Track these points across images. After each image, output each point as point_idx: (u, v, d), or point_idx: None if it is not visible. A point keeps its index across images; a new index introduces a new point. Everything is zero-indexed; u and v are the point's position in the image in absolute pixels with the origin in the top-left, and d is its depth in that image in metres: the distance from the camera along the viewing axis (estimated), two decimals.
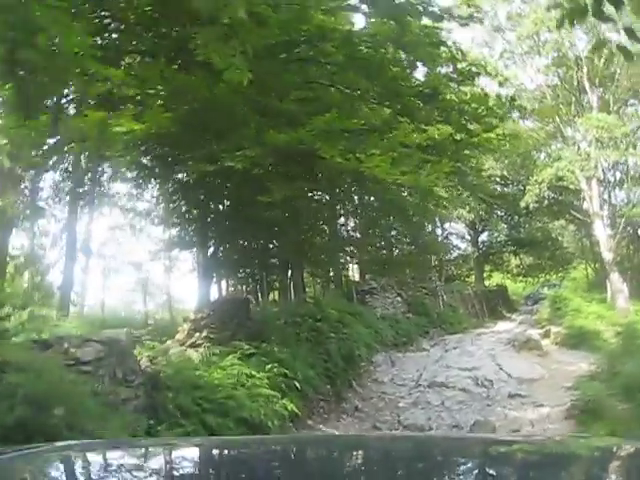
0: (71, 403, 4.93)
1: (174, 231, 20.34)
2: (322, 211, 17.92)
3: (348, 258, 24.12)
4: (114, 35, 9.81)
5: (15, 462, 1.79)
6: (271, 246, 18.81)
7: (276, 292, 22.19)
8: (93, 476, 1.81)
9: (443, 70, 11.86)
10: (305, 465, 1.91)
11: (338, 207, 19.97)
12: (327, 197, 17.18)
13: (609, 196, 31.73)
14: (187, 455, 2.11)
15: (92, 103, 8.80)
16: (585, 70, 28.56)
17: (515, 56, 29.75)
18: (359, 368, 15.34)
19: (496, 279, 41.39)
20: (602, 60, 28.23)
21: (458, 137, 11.68)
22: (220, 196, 15.82)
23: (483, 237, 39.52)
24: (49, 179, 17.63)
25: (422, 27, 10.13)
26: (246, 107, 9.63)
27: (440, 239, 34.03)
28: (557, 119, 29.53)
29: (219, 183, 14.13)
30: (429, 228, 30.46)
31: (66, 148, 10.17)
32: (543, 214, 36.08)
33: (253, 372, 9.71)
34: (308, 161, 10.75)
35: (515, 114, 27.09)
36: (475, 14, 9.95)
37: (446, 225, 35.62)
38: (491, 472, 1.78)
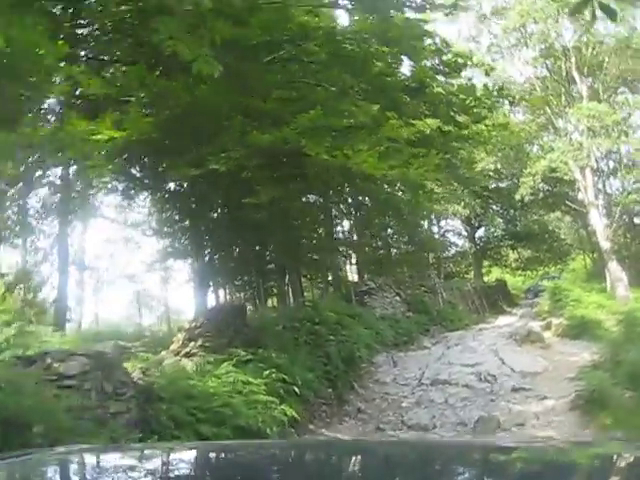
0: (53, 420, 4.75)
1: (168, 241, 20.19)
2: (315, 213, 17.75)
3: (345, 259, 23.96)
4: (92, 44, 9.68)
5: (15, 467, 1.78)
6: (267, 252, 18.67)
7: (274, 298, 22.04)
8: None
9: (429, 63, 11.72)
10: (302, 470, 1.88)
11: (332, 208, 19.79)
12: (319, 199, 17.02)
13: (603, 185, 31.71)
14: (186, 459, 2.11)
15: (70, 111, 8.64)
16: (573, 60, 28.49)
17: (502, 49, 29.70)
18: (360, 369, 15.15)
19: (495, 274, 41.33)
20: (590, 49, 28.19)
21: (446, 129, 11.53)
22: (211, 203, 15.66)
23: (480, 233, 39.48)
24: (37, 194, 17.46)
25: (405, 20, 9.99)
26: (229, 109, 9.46)
27: (437, 236, 33.87)
28: (548, 110, 29.46)
29: (209, 190, 13.97)
30: (425, 226, 30.33)
31: (49, 160, 9.99)
32: (538, 207, 36.05)
33: (250, 379, 9.51)
34: (295, 161, 10.60)
35: (506, 107, 27.07)
36: (460, 2, 9.75)
37: (442, 222, 35.56)
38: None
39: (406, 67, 12.26)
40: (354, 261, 24.77)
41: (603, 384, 10.29)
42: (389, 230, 26.56)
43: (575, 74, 28.56)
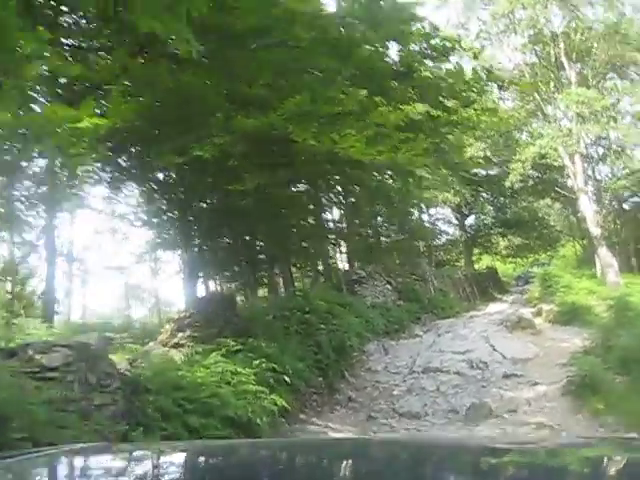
0: (32, 413, 4.62)
1: (156, 232, 20.01)
2: (304, 201, 17.62)
3: (335, 248, 23.87)
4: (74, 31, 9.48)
5: (14, 467, 1.78)
6: (257, 242, 18.56)
7: (265, 288, 21.95)
8: None
9: (417, 48, 11.57)
10: (302, 470, 1.87)
11: (321, 197, 19.65)
12: (308, 187, 16.88)
13: (593, 171, 31.70)
14: (186, 459, 2.11)
15: (50, 98, 8.47)
16: (562, 46, 28.44)
17: (491, 36, 29.56)
18: (351, 358, 15.07)
19: (486, 262, 41.40)
20: (578, 35, 28.11)
21: (435, 114, 11.40)
22: (199, 193, 15.50)
23: (470, 220, 39.47)
24: (23, 185, 17.23)
25: (393, 3, 9.87)
26: (213, 95, 9.30)
27: (427, 225, 33.80)
28: (537, 97, 29.40)
29: (196, 179, 13.81)
30: (415, 214, 30.24)
31: (33, 148, 9.77)
32: (528, 194, 36.08)
33: (239, 369, 9.40)
34: (281, 147, 10.45)
35: (494, 94, 26.99)
36: None
37: (432, 211, 35.47)
38: None
39: (394, 52, 12.15)
40: (344, 250, 24.69)
41: (595, 369, 10.26)
42: (379, 218, 26.48)
43: (564, 60, 28.52)
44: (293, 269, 21.09)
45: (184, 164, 10.73)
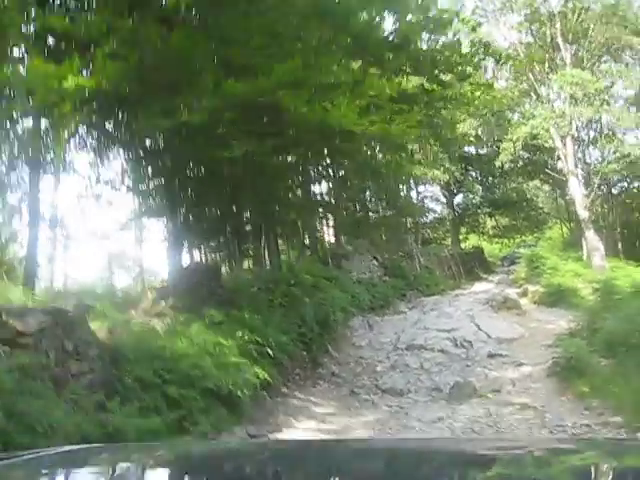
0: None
1: (142, 199, 19.68)
2: (293, 173, 17.35)
3: (322, 222, 23.64)
4: None
5: (14, 467, 1.79)
6: (243, 212, 18.28)
7: (250, 260, 21.70)
8: None
9: (414, 19, 11.28)
10: (302, 470, 1.89)
11: (310, 169, 19.38)
12: (297, 158, 16.59)
13: (583, 154, 31.64)
14: (186, 459, 2.12)
15: (34, 53, 8.17)
16: (558, 26, 28.18)
17: (487, 13, 29.22)
18: (335, 333, 14.94)
19: (472, 241, 41.33)
20: (575, 15, 27.83)
21: (430, 88, 11.16)
22: (186, 160, 15.18)
23: (458, 199, 39.32)
24: (6, 147, 16.85)
25: None
26: (203, 58, 9.00)
27: (415, 202, 33.59)
28: (531, 77, 29.18)
29: (184, 146, 13.50)
30: (404, 190, 30.01)
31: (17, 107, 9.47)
32: (517, 174, 36.06)
33: (221, 340, 9.22)
34: (272, 115, 10.17)
35: (489, 72, 26.72)
36: None
37: (421, 188, 35.26)
38: None
39: (390, 23, 11.85)
40: (331, 224, 24.46)
41: (580, 352, 10.19)
42: (367, 193, 26.23)
43: (560, 41, 28.28)
44: (279, 241, 20.87)
45: (171, 130, 10.44)
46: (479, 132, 31.28)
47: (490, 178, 38.30)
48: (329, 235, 24.65)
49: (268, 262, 18.17)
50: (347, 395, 11.72)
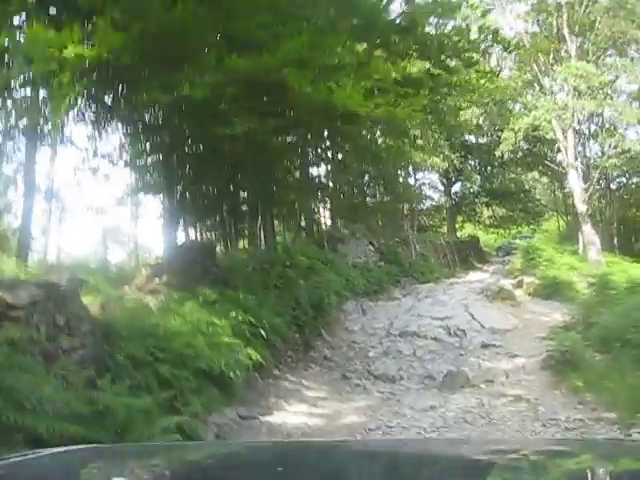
0: None
1: (139, 174, 19.50)
2: (292, 153, 17.18)
3: (320, 204, 23.51)
4: None
5: (14, 467, 1.78)
6: (240, 191, 18.13)
7: (245, 240, 21.57)
8: None
9: (422, 2, 11.10)
10: (302, 471, 1.88)
11: (309, 150, 19.21)
12: (297, 139, 16.41)
13: (583, 148, 31.53)
14: (186, 459, 2.12)
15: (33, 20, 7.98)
16: (565, 17, 27.93)
17: (495, 1, 28.92)
18: (329, 316, 14.85)
19: (468, 230, 41.31)
20: (583, 7, 27.59)
21: (436, 73, 11.00)
22: (185, 136, 15.00)
23: (456, 188, 39.23)
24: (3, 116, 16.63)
25: None
26: (207, 32, 8.82)
27: (413, 188, 33.46)
28: (535, 67, 28.98)
29: (184, 122, 13.32)
30: (402, 176, 29.86)
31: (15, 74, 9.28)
32: (517, 165, 35.99)
33: (215, 320, 9.11)
34: (275, 94, 9.99)
35: (493, 61, 26.52)
36: None
37: (419, 175, 35.14)
38: None
39: (397, 5, 11.65)
40: (328, 207, 24.34)
41: (575, 345, 10.13)
42: (366, 177, 26.07)
43: (566, 32, 28.05)
44: (275, 222, 20.74)
45: (172, 105, 10.26)
46: (480, 121, 31.15)
47: (489, 168, 38.24)
48: (326, 218, 24.55)
49: (263, 243, 18.05)
50: (339, 379, 11.67)
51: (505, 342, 13.37)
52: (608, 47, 29.34)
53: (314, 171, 21.86)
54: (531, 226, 41.86)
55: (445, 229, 38.51)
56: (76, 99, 12.03)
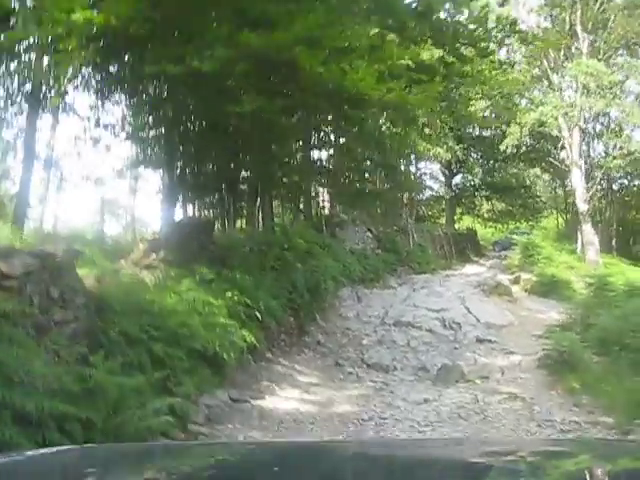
0: None
1: (140, 147, 19.28)
2: (297, 135, 16.96)
3: (320, 188, 23.32)
4: None
5: (14, 467, 1.76)
6: (241, 171, 17.94)
7: (243, 220, 21.40)
8: None
9: None
10: (302, 471, 1.87)
11: (313, 133, 19.00)
12: (303, 120, 16.19)
13: (588, 147, 31.37)
14: (186, 459, 2.09)
15: None
16: (579, 14, 27.61)
17: None
18: (324, 302, 14.70)
19: (466, 222, 41.16)
20: (598, 4, 27.29)
21: (450, 61, 10.78)
22: (190, 112, 14.78)
23: (457, 179, 38.99)
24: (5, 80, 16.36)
25: None
26: (219, 5, 8.58)
27: (414, 178, 33.25)
28: (545, 63, 28.73)
29: (189, 96, 13.10)
30: (404, 165, 29.63)
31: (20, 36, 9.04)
32: (520, 160, 35.80)
33: (211, 299, 8.96)
34: (285, 73, 9.77)
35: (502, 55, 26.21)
36: None
37: (420, 165, 34.91)
38: None
39: None
40: (328, 191, 24.14)
41: (574, 346, 9.99)
42: (368, 163, 25.84)
43: (578, 29, 27.73)
44: (274, 204, 20.57)
45: (178, 78, 10.03)
46: (486, 113, 30.92)
47: (491, 161, 37.99)
48: (325, 202, 24.37)
49: (261, 223, 17.89)
50: (332, 366, 11.55)
51: (501, 338, 13.26)
52: (620, 46, 29.09)
53: (316, 154, 21.67)
54: (529, 222, 41.73)
55: (443, 220, 38.36)
56: (81, 66, 11.82)
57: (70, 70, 12.48)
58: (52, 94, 16.53)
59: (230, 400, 8.13)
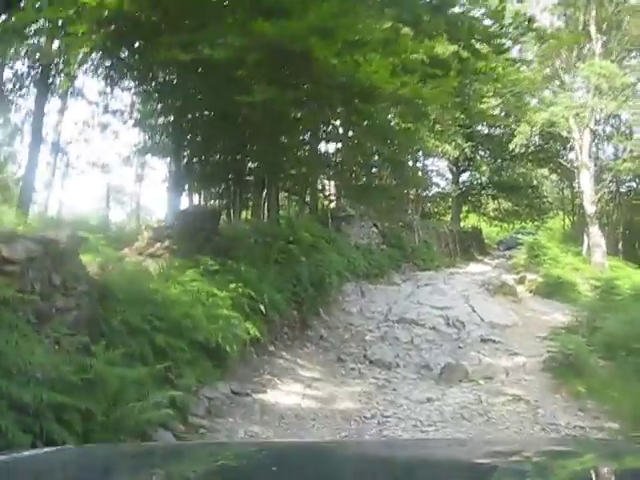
0: None
1: (148, 135, 19.20)
2: (305, 125, 16.81)
3: (326, 181, 23.20)
4: None
5: (14, 466, 1.76)
6: (248, 162, 17.85)
7: (249, 211, 21.32)
8: None
9: None
10: (302, 471, 1.86)
11: (322, 127, 18.86)
12: (313, 113, 16.04)
13: (597, 149, 31.21)
14: (186, 459, 2.08)
15: None
16: (593, 14, 27.37)
17: None
18: (328, 296, 14.59)
19: (472, 220, 41.02)
20: (613, 4, 27.05)
21: (465, 56, 10.64)
22: (199, 101, 14.66)
23: (464, 177, 38.82)
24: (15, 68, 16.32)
25: None
26: None
27: (421, 174, 33.08)
28: (557, 63, 28.53)
29: (199, 85, 12.97)
30: (412, 160, 29.46)
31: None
32: (528, 160, 35.65)
33: (215, 290, 8.86)
34: (298, 64, 9.62)
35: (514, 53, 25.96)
36: None
37: (428, 161, 34.75)
38: None
39: None
40: (335, 185, 24.02)
41: (580, 349, 9.87)
42: (376, 158, 25.69)
43: (592, 29, 27.49)
44: (280, 196, 20.47)
45: (189, 66, 9.92)
46: (496, 111, 30.73)
47: (499, 160, 37.79)
48: (331, 196, 24.25)
49: (267, 215, 17.80)
50: (334, 361, 11.46)
51: (505, 338, 13.15)
52: (633, 48, 28.85)
53: (324, 147, 21.54)
54: (535, 223, 41.57)
55: (449, 218, 38.20)
56: (91, 50, 11.70)
57: (80, 54, 12.38)
58: (61, 78, 16.46)
59: (231, 393, 8.03)
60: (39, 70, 15.76)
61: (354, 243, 20.34)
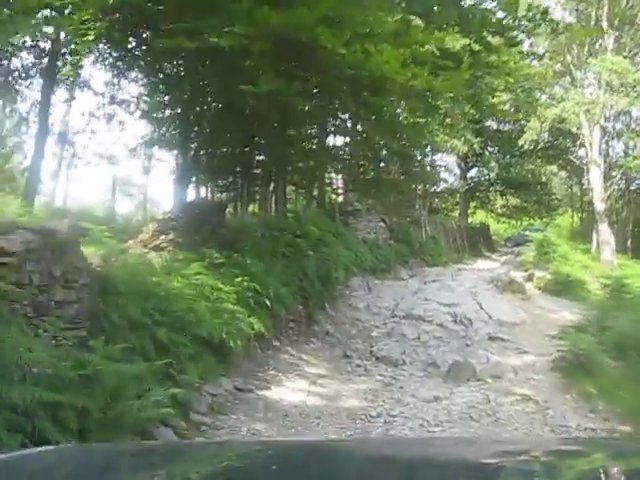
0: None
1: (155, 127, 19.10)
2: (314, 119, 16.65)
3: (334, 175, 23.03)
4: None
5: (14, 466, 1.75)
6: (256, 154, 17.71)
7: (256, 204, 21.21)
8: None
9: None
10: (302, 471, 1.83)
11: (330, 120, 18.67)
12: (321, 105, 15.88)
13: (607, 146, 30.91)
14: (186, 459, 2.05)
15: None
16: (606, 9, 27.05)
17: None
18: (335, 291, 14.44)
19: (479, 216, 40.82)
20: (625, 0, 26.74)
21: (477, 49, 10.44)
22: (206, 92, 14.52)
23: (472, 173, 38.61)
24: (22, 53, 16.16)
25: None
26: None
27: (429, 169, 32.87)
28: (568, 58, 28.23)
29: (206, 76, 12.83)
30: (420, 155, 29.26)
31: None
32: (537, 157, 35.41)
33: (220, 284, 8.72)
34: (305, 54, 9.44)
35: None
36: None
37: (436, 157, 34.50)
38: None
39: None
40: (342, 179, 23.86)
41: (590, 349, 9.68)
42: (384, 152, 25.51)
43: (604, 25, 27.16)
44: (288, 189, 20.35)
45: (195, 56, 9.76)
46: (506, 106, 30.46)
47: (508, 156, 37.54)
48: (339, 190, 24.10)
49: (274, 209, 17.67)
50: (340, 357, 11.31)
51: (513, 336, 12.95)
52: None
53: (332, 141, 21.37)
54: (543, 219, 41.32)
55: (457, 213, 38.00)
56: (97, 38, 11.56)
57: (86, 42, 12.23)
58: (67, 68, 16.32)
59: (235, 389, 7.90)
60: (46, 59, 15.62)
61: (361, 238, 20.14)
